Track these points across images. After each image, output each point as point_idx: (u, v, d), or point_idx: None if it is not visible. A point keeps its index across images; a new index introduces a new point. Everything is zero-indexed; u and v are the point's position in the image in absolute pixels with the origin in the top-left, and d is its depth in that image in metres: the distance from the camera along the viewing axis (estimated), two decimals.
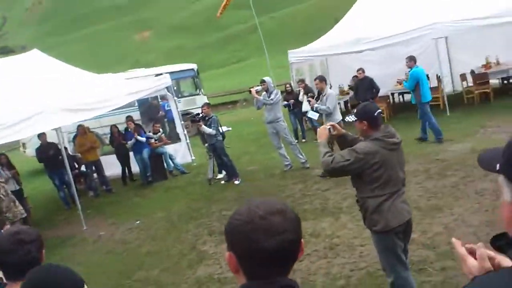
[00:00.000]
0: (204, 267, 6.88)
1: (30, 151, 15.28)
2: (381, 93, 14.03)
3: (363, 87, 13.28)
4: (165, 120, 16.12)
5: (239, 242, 1.47)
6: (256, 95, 10.75)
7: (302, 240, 1.52)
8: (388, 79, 14.54)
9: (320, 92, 10.48)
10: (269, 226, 1.44)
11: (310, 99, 10.59)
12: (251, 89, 10.89)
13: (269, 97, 10.63)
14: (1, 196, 7.46)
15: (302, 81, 14.40)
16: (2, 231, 7.37)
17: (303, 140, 13.63)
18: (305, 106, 13.88)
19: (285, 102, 13.90)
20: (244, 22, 67.90)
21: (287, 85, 14.46)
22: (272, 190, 9.80)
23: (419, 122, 11.05)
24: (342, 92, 16.14)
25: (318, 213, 8.03)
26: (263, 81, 10.99)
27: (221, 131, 11.23)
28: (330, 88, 13.71)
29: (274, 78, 16.61)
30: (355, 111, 4.48)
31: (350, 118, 4.52)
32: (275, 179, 10.60)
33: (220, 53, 66.53)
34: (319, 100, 10.19)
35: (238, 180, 10.92)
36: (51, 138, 11.51)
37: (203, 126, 10.82)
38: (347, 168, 4.15)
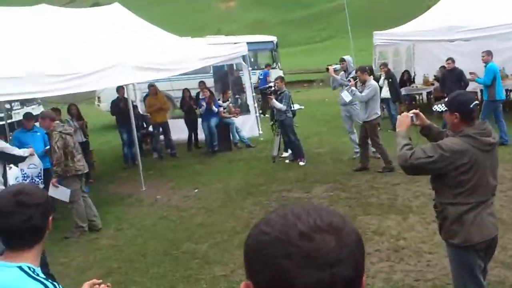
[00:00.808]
0: None
1: (105, 105, 15.48)
2: (469, 88, 12.95)
3: (451, 79, 12.24)
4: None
5: (263, 271, 0.95)
6: (333, 74, 10.13)
7: (363, 277, 0.99)
8: (478, 74, 13.42)
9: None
10: (315, 251, 0.92)
11: (351, 79, 9.81)
12: (329, 67, 10.28)
13: (346, 77, 9.97)
14: (56, 147, 7.35)
15: (384, 65, 13.54)
16: (51, 184, 7.33)
17: (378, 129, 12.82)
18: (384, 92, 13.09)
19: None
20: (332, 1, 66.30)
21: (367, 68, 13.64)
22: (337, 176, 9.23)
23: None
24: (426, 82, 15.15)
25: (384, 209, 7.40)
26: (342, 60, 10.35)
27: (292, 107, 10.73)
28: (381, 77, 12.86)
29: (355, 60, 15.88)
30: (446, 99, 3.85)
31: (440, 107, 3.88)
32: (343, 165, 10.00)
33: (303, 30, 65.47)
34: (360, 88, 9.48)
35: (303, 161, 10.42)
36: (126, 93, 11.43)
37: (274, 100, 10.36)
38: (429, 166, 3.54)
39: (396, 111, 12.79)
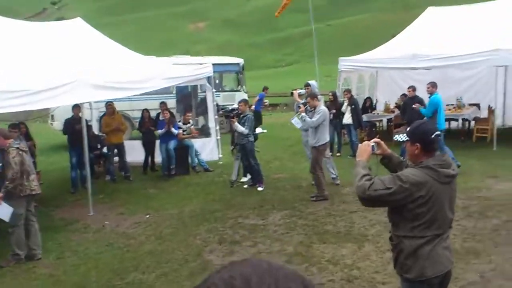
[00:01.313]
0: None
1: (58, 124, 14.90)
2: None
3: (412, 106, 12.26)
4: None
5: None
6: (297, 99, 9.97)
7: None
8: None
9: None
10: None
11: (301, 105, 9.69)
12: (294, 92, 10.12)
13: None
14: (13, 163, 6.85)
15: (348, 91, 13.49)
16: None
17: (338, 154, 12.72)
18: (347, 118, 13.01)
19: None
20: (300, 26, 67.25)
21: (330, 94, 13.58)
22: (295, 203, 8.98)
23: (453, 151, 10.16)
24: (387, 109, 15.19)
25: (340, 237, 7.18)
26: (307, 85, 10.22)
27: (254, 131, 10.49)
28: (344, 103, 12.80)
29: (320, 85, 15.81)
30: (407, 129, 3.67)
31: (401, 137, 3.72)
32: (301, 191, 9.76)
33: (271, 54, 66.07)
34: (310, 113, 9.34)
35: (262, 187, 10.14)
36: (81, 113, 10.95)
37: (236, 123, 10.09)
38: (387, 198, 3.35)
39: (357, 137, 12.70)
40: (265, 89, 18.75)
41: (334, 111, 13.08)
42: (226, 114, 10.97)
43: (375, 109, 15.75)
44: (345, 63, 14.22)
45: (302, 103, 9.66)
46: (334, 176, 9.97)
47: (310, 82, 10.58)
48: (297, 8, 55.07)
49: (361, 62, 14.25)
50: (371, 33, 54.81)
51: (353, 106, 13.06)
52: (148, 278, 6.32)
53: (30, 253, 7.14)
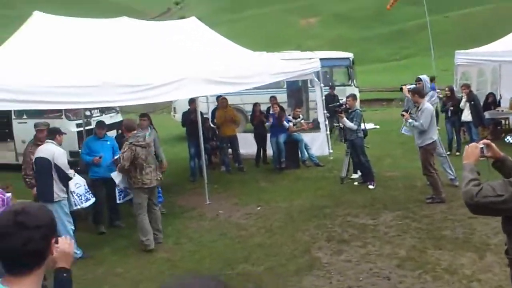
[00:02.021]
0: (312, 277, 6.14)
1: (179, 116, 15.67)
2: None
3: None
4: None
5: None
6: (407, 94, 9.60)
7: None
8: None
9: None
10: None
11: (403, 113, 9.20)
12: (403, 87, 9.77)
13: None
14: (121, 157, 7.38)
15: (466, 86, 12.73)
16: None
17: (457, 154, 12.00)
18: (466, 115, 12.32)
19: (444, 108, 12.49)
20: (414, 19, 64.59)
21: (447, 89, 12.91)
22: (409, 204, 8.68)
23: None
24: None
25: (459, 244, 6.80)
26: (418, 80, 9.84)
27: (363, 127, 10.30)
28: (462, 99, 12.03)
29: (437, 80, 15.10)
30: None
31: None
32: (415, 192, 9.41)
33: (384, 48, 64.19)
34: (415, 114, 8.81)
35: (373, 185, 9.93)
36: (201, 107, 11.45)
37: (344, 118, 9.99)
38: (498, 206, 3.01)
39: (478, 136, 11.96)
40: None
41: (451, 107, 12.47)
42: (334, 109, 10.82)
43: (499, 105, 14.72)
44: (463, 56, 13.40)
45: (404, 110, 9.32)
46: (453, 177, 9.47)
47: (421, 76, 10.15)
48: (410, 1, 52.95)
49: (481, 55, 13.32)
50: (492, 24, 51.18)
51: (472, 102, 12.32)
52: (257, 270, 6.50)
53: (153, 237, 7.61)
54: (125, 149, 7.39)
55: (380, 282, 5.87)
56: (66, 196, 7.11)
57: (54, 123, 11.59)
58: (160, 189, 8.36)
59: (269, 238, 7.64)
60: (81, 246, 7.36)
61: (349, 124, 9.93)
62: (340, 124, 10.33)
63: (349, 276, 6.10)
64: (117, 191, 8.02)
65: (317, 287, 5.86)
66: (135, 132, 7.63)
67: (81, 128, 12.20)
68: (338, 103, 11.09)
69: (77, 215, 8.37)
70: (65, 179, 7.09)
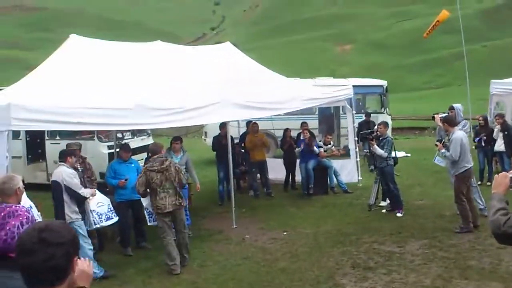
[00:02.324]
0: None
1: (209, 140, 15.90)
2: None
3: None
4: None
5: None
6: (439, 123, 9.54)
7: None
8: None
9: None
10: None
11: (437, 143, 9.10)
12: (435, 115, 9.73)
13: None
14: (137, 182, 7.58)
15: (500, 116, 12.55)
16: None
17: (488, 184, 11.79)
18: (499, 145, 12.13)
19: (476, 138, 12.32)
20: (451, 48, 64.07)
21: (480, 118, 12.75)
22: (436, 233, 8.57)
23: None
24: None
25: (485, 274, 6.68)
26: (451, 108, 9.78)
27: (394, 155, 10.25)
28: (495, 128, 11.82)
29: (471, 109, 14.91)
30: None
31: None
32: (444, 221, 9.28)
33: (419, 76, 63.77)
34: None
35: (401, 213, 9.84)
36: (231, 132, 11.57)
37: (375, 145, 9.98)
38: None
39: (510, 166, 11.72)
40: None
41: (484, 137, 12.29)
42: (364, 136, 10.82)
43: None
44: (498, 86, 13.28)
45: (438, 141, 9.26)
46: (482, 207, 9.31)
47: (454, 105, 10.09)
48: (447, 29, 52.63)
49: None
50: None
51: (506, 133, 12.12)
52: None
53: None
54: (141, 174, 7.58)
55: None
56: (79, 217, 7.20)
57: (86, 144, 11.99)
58: (188, 211, 8.46)
59: (294, 263, 7.64)
60: (106, 265, 7.52)
61: (379, 151, 9.92)
62: (371, 151, 10.31)
63: None
64: (146, 214, 8.19)
65: None
66: (156, 156, 7.70)
67: (112, 150, 12.49)
68: (369, 130, 11.08)
69: (103, 235, 8.57)
70: (77, 200, 7.22)
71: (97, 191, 7.89)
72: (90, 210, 7.53)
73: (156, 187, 7.46)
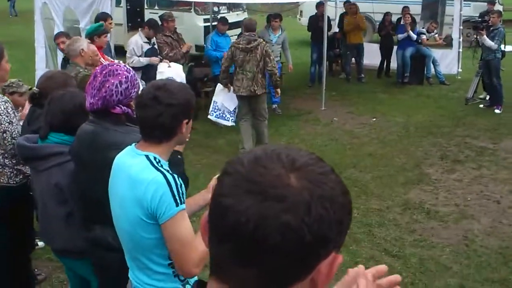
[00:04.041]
0: (419, 191, 6.17)
1: (305, 20, 15.50)
2: None
3: None
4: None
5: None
6: None
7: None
8: None
9: None
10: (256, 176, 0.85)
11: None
12: None
13: None
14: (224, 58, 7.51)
15: None
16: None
17: None
18: None
19: None
20: None
21: None
22: None
23: None
24: None
25: None
26: None
27: (503, 48, 9.55)
28: None
29: None
30: None
31: None
32: None
33: None
34: None
35: (500, 109, 9.37)
36: (329, 12, 11.19)
37: (485, 36, 9.32)
38: None
39: None
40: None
41: None
42: (475, 25, 10.05)
43: None
44: None
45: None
46: None
47: None
48: None
49: None
50: None
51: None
52: (364, 177, 6.64)
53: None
54: (229, 50, 7.36)
55: (489, 205, 5.77)
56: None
57: (183, 16, 12.15)
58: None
59: (381, 148, 7.67)
60: (201, 135, 7.90)
61: (489, 42, 9.27)
62: (480, 41, 9.64)
63: (457, 194, 6.04)
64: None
65: (423, 201, 5.89)
66: (247, 33, 7.16)
67: (208, 24, 12.58)
68: (480, 19, 10.30)
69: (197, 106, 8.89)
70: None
71: (178, 66, 7.86)
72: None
73: (236, 66, 7.10)
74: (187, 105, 2.15)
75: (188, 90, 2.22)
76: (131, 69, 2.66)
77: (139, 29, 8.23)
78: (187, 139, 2.32)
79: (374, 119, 9.13)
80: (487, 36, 9.29)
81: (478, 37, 9.62)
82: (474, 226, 5.29)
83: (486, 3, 15.91)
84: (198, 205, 2.44)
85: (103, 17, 7.00)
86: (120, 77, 2.50)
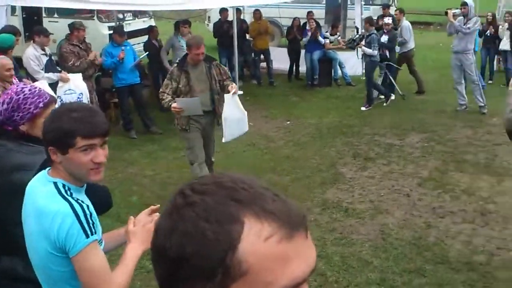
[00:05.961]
0: (336, 190, 6.44)
1: (212, 26, 15.56)
2: None
3: None
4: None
5: None
6: (451, 19, 9.39)
7: None
8: None
9: None
10: None
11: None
12: (448, 11, 9.53)
13: (465, 23, 9.21)
14: None
15: (510, 13, 12.24)
16: None
17: (489, 82, 11.85)
18: (504, 44, 11.95)
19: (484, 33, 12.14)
20: None
21: (489, 15, 12.45)
22: (436, 127, 8.78)
23: None
24: None
25: (479, 168, 7.01)
26: (464, 4, 9.50)
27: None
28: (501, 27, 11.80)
29: (479, 6, 14.48)
30: None
31: None
32: (443, 117, 9.44)
33: None
34: None
35: (366, 107, 10.10)
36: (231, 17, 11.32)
37: (363, 47, 9.97)
38: None
39: None
40: None
41: (488, 34, 12.08)
42: (351, 46, 10.84)
43: None
44: None
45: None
46: (482, 104, 9.45)
47: (467, 1, 9.81)
48: None
49: None
50: None
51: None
52: (283, 180, 6.81)
53: None
54: None
55: (400, 198, 6.14)
56: None
57: (86, 24, 11.74)
58: None
59: (296, 151, 7.91)
60: (110, 145, 7.69)
61: (369, 51, 9.92)
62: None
63: (371, 191, 6.38)
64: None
65: (340, 199, 6.15)
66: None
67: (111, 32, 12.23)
68: (354, 37, 10.97)
69: (106, 117, 8.65)
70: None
71: (77, 76, 7.51)
72: (58, 96, 6.95)
73: None
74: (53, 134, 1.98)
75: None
76: (20, 91, 2.47)
77: (31, 41, 7.72)
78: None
79: (288, 122, 9.38)
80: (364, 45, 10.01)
81: (360, 50, 10.32)
82: (389, 220, 5.61)
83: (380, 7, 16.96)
84: (115, 241, 2.29)
85: (13, 30, 6.66)
86: (5, 96, 2.41)
